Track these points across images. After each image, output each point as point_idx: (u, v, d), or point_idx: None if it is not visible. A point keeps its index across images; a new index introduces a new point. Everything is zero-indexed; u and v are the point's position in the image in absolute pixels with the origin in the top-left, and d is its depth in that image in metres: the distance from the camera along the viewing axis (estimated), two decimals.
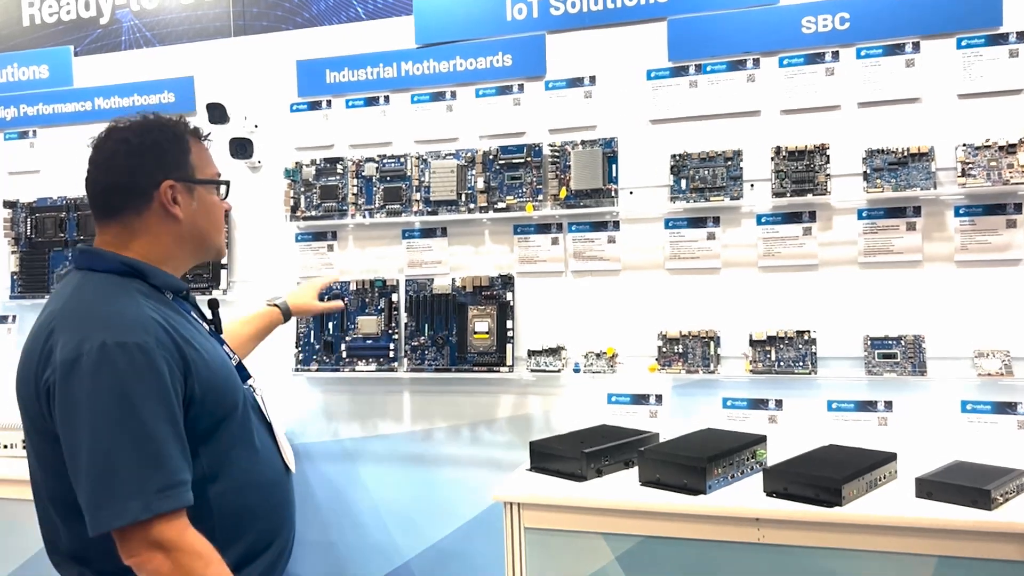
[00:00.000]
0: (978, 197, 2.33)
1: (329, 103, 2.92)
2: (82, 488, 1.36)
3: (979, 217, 2.34)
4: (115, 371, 1.36)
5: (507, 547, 2.16)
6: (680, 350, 2.54)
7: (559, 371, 2.64)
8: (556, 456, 2.29)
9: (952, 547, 1.85)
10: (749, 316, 2.50)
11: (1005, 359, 2.28)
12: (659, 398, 2.59)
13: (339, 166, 2.85)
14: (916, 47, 2.38)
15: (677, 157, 2.53)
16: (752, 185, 2.49)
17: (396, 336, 2.80)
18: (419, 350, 2.77)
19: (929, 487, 1.96)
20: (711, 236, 2.55)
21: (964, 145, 2.30)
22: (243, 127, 2.95)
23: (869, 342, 2.38)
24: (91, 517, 1.35)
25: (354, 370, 2.82)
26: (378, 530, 2.89)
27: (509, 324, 2.69)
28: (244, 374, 1.70)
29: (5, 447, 2.89)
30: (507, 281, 2.71)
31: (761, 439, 2.27)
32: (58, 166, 3.21)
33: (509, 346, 2.68)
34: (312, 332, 2.87)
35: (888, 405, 2.39)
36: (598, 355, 2.61)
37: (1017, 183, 2.25)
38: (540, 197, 2.66)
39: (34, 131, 3.26)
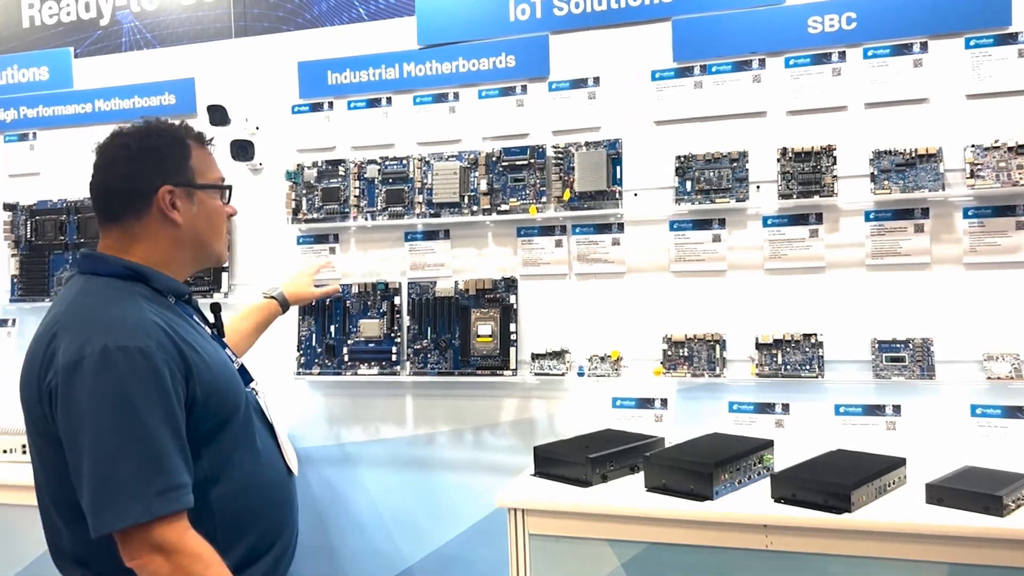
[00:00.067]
0: (987, 199, 2.31)
1: (331, 104, 2.90)
2: (84, 490, 1.37)
3: (988, 219, 2.32)
4: (117, 374, 1.38)
5: (511, 553, 2.15)
6: (685, 353, 2.51)
7: (563, 375, 2.62)
8: (560, 461, 2.27)
9: (964, 554, 1.82)
10: (755, 319, 2.48)
11: (1015, 362, 2.25)
12: (664, 402, 2.57)
13: (341, 168, 2.83)
14: (924, 47, 2.36)
15: (682, 158, 2.51)
16: (758, 187, 2.46)
17: (399, 339, 2.78)
18: (422, 353, 2.75)
19: (940, 493, 1.94)
20: (716, 238, 2.53)
21: (973, 146, 2.27)
22: (244, 129, 2.94)
23: (877, 345, 2.36)
24: (92, 519, 1.36)
25: (356, 374, 2.80)
26: (380, 535, 2.87)
27: (512, 327, 2.67)
28: (247, 377, 1.71)
29: (5, 452, 2.87)
30: (510, 284, 2.69)
31: (768, 444, 2.24)
32: (58, 168, 3.20)
33: (512, 349, 2.66)
34: (314, 335, 2.85)
35: (896, 409, 2.37)
36: (602, 358, 2.59)
37: None
38: (544, 199, 2.64)
39: (34, 133, 3.24)
